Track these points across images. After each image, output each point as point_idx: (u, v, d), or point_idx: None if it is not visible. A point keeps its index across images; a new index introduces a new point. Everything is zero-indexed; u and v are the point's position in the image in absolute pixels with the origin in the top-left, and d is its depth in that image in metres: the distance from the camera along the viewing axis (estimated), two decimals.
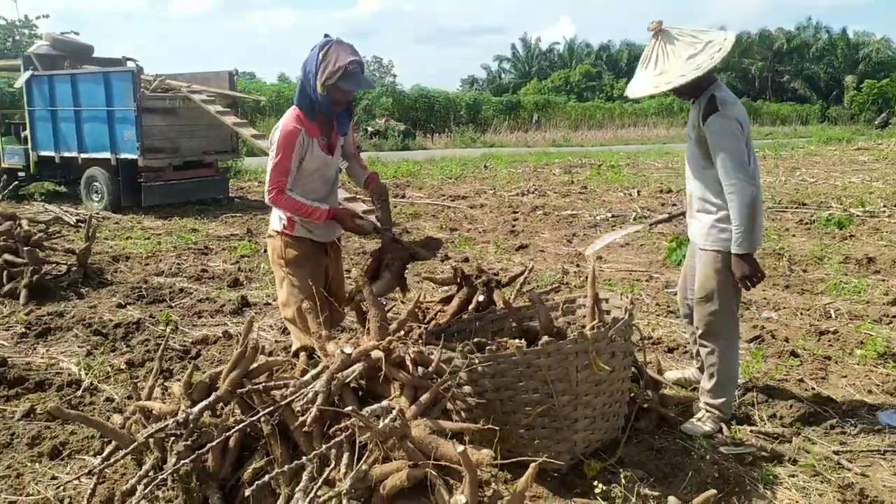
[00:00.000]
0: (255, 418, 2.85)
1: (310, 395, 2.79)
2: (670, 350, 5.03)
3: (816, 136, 34.31)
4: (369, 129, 31.44)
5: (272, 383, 2.88)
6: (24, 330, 5.47)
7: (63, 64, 12.43)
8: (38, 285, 6.29)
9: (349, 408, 2.45)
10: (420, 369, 3.02)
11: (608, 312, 3.68)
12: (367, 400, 3.02)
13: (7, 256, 6.43)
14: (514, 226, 10.15)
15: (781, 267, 7.34)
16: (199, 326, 5.63)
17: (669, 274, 7.11)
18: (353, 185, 8.53)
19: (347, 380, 2.82)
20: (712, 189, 3.60)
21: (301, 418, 2.79)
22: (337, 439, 2.53)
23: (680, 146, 29.42)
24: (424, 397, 2.76)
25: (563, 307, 3.94)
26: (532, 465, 2.54)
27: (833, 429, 3.73)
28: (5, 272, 6.36)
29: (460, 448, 2.45)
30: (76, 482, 3.24)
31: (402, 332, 3.69)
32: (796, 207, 11.08)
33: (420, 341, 3.36)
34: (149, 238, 9.28)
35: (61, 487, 3.22)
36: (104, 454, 3.19)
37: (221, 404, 3.15)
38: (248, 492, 2.66)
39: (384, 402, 2.71)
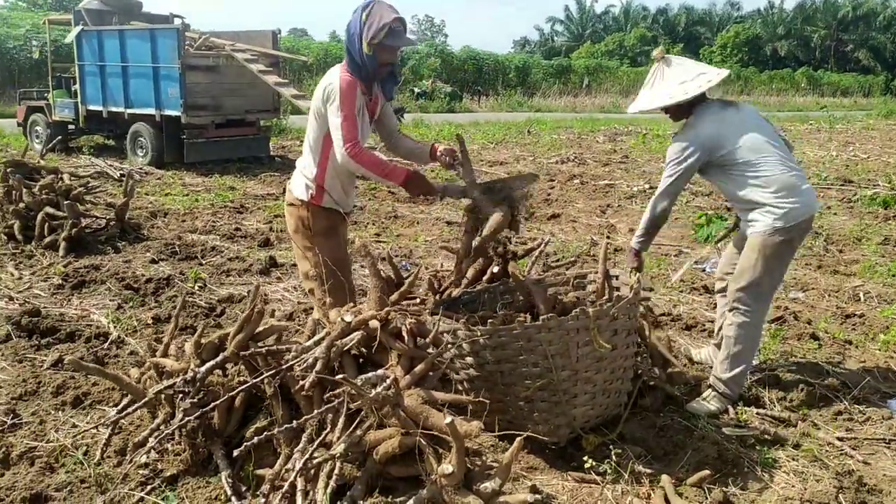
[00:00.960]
0: (257, 380, 2.95)
1: (310, 360, 2.87)
2: (688, 328, 5.01)
3: (877, 109, 33.11)
4: (416, 90, 31.35)
5: (275, 347, 2.96)
6: (60, 281, 5.68)
7: (111, 19, 12.64)
8: (76, 238, 6.51)
9: (340, 376, 2.53)
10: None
11: (618, 289, 3.69)
12: (368, 367, 3.09)
13: (48, 209, 6.65)
14: (549, 194, 10.10)
15: (817, 247, 7.20)
16: (226, 285, 5.77)
17: (700, 249, 7.03)
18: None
19: (346, 347, 2.89)
20: (731, 193, 3.79)
21: (301, 382, 2.88)
22: (329, 405, 2.61)
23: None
24: (419, 367, 2.82)
25: (574, 282, 3.95)
26: (518, 438, 2.60)
27: (840, 415, 3.70)
28: (46, 225, 6.59)
29: (447, 419, 2.51)
30: (94, 431, 3.39)
31: (417, 301, 3.77)
32: (842, 184, 10.79)
33: (427, 311, 3.41)
34: (187, 195, 9.48)
35: (79, 436, 3.38)
36: (120, 406, 3.34)
37: (231, 364, 3.28)
38: (235, 452, 2.76)
39: (380, 371, 2.77)
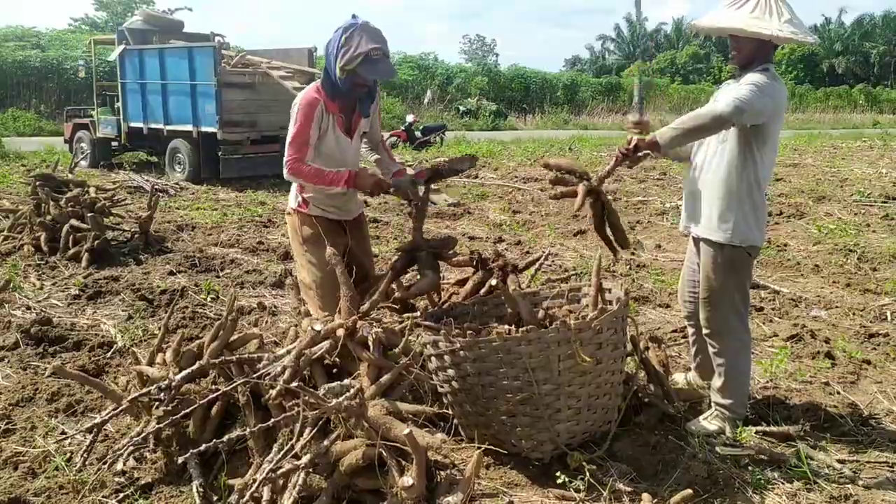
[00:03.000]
0: (227, 389, 2.93)
1: (278, 369, 2.84)
2: None
3: None
4: (461, 107, 31.45)
5: (246, 355, 2.95)
6: (78, 292, 5.78)
7: (153, 39, 12.98)
8: (99, 250, 6.63)
9: (294, 383, 2.49)
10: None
11: (611, 303, 3.59)
12: (344, 377, 3.05)
13: (74, 222, 6.80)
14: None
15: (848, 264, 6.94)
16: (239, 297, 5.80)
17: None
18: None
19: (315, 356, 2.85)
20: (719, 173, 3.43)
21: (270, 392, 2.85)
22: (287, 414, 2.57)
23: (785, 133, 28.06)
24: (385, 377, 2.77)
25: (569, 296, 3.86)
26: (476, 451, 2.53)
27: (845, 436, 3.52)
28: (71, 237, 6.73)
29: (406, 430, 2.46)
30: (79, 438, 3.41)
31: (417, 313, 3.72)
32: (884, 201, 10.42)
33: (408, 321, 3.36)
34: (217, 209, 9.61)
35: (65, 442, 3.41)
36: (104, 414, 3.36)
37: (213, 372, 3.27)
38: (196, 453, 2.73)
39: (345, 381, 2.73)
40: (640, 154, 3.41)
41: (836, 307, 5.63)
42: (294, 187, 3.85)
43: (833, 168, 15.06)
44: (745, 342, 3.61)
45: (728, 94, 3.26)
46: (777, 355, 4.42)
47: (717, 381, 3.62)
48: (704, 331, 3.62)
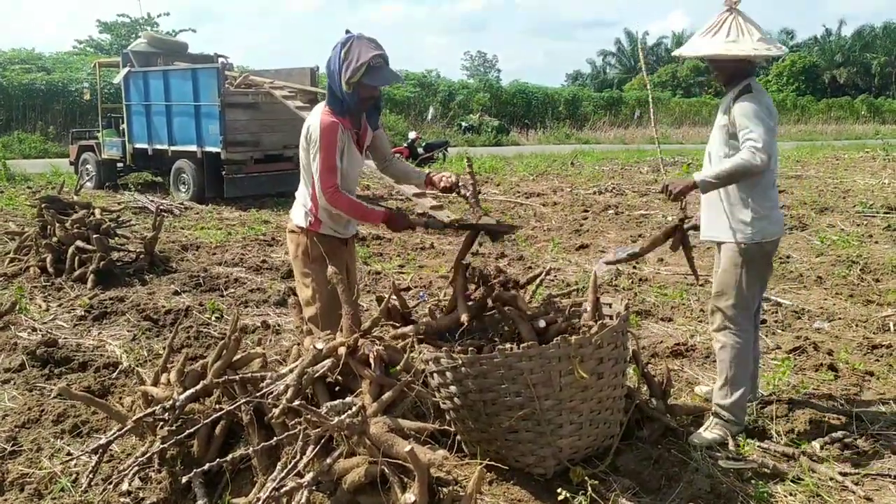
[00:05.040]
0: (231, 408, 2.95)
1: (280, 387, 2.87)
2: (706, 357, 4.87)
3: None
4: (463, 124, 31.58)
5: (249, 374, 2.97)
6: (83, 313, 5.82)
7: (157, 61, 13.09)
8: (104, 271, 6.68)
9: (296, 402, 2.51)
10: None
11: (610, 318, 3.61)
12: (345, 394, 3.07)
13: (79, 243, 6.85)
14: (581, 224, 10.00)
15: (851, 275, 6.94)
16: (243, 316, 5.83)
17: None
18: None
19: (317, 374, 2.88)
20: (736, 190, 3.61)
21: (274, 410, 2.88)
22: (290, 432, 2.59)
23: (787, 144, 28.13)
24: (386, 395, 2.79)
25: (570, 311, 3.87)
26: (478, 467, 2.54)
27: (847, 449, 3.52)
28: (77, 258, 6.77)
29: (408, 447, 2.47)
30: (85, 459, 3.43)
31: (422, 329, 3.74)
32: (887, 212, 10.42)
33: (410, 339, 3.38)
34: (221, 228, 9.67)
35: (71, 463, 3.43)
36: (109, 434, 3.38)
37: (217, 391, 3.29)
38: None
39: (347, 399, 2.75)
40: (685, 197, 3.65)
41: (839, 319, 5.63)
42: (304, 205, 3.79)
43: (836, 179, 15.08)
44: (748, 340, 3.69)
45: (743, 137, 3.45)
46: (779, 367, 4.43)
47: (718, 381, 3.71)
48: (711, 326, 3.73)
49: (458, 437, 3.40)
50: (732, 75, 3.63)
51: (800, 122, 43.26)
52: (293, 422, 2.70)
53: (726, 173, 3.46)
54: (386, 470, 2.60)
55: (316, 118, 3.60)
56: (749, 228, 3.58)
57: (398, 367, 2.90)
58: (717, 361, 3.72)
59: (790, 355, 4.77)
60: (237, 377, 2.95)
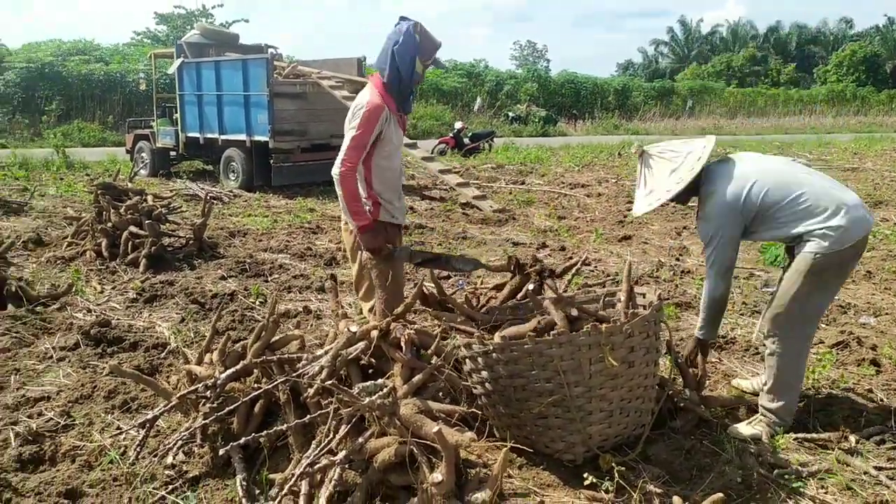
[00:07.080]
0: (269, 387, 3.07)
1: (315, 368, 2.97)
2: (746, 350, 4.84)
3: None
4: (510, 114, 31.49)
5: (286, 355, 3.08)
6: (135, 295, 6.03)
7: (209, 52, 13.38)
8: (156, 255, 6.91)
9: (329, 381, 2.60)
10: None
11: (644, 307, 3.63)
12: (378, 376, 3.17)
13: (132, 228, 7.09)
14: (624, 216, 9.95)
15: None
16: (285, 301, 5.98)
17: (774, 272, 6.76)
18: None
19: (351, 356, 2.97)
20: (784, 235, 3.56)
21: (309, 390, 2.98)
22: (322, 411, 2.69)
23: (842, 137, 27.42)
24: (417, 377, 2.87)
25: (605, 300, 3.91)
26: (504, 450, 2.60)
27: (883, 443, 3.49)
28: (130, 243, 7.01)
29: (435, 428, 2.55)
30: (132, 433, 3.59)
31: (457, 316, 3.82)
32: None
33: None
34: (268, 216, 9.87)
35: (120, 436, 3.60)
36: (155, 410, 3.54)
37: (257, 371, 3.42)
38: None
39: (379, 380, 2.84)
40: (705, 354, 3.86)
41: (886, 314, 5.53)
42: (363, 193, 3.92)
43: (893, 172, 14.67)
44: (801, 350, 3.60)
45: (707, 262, 3.65)
46: (820, 361, 4.39)
47: (768, 384, 3.63)
48: (766, 327, 3.65)
49: (490, 423, 3.47)
50: (684, 199, 3.74)
51: (859, 113, 42.05)
52: (327, 401, 2.80)
53: (708, 314, 3.69)
54: (415, 450, 2.68)
55: (365, 97, 3.78)
56: (812, 241, 3.43)
57: (429, 352, 2.97)
58: (766, 365, 3.63)
59: (832, 350, 4.71)
60: (275, 358, 3.06)
